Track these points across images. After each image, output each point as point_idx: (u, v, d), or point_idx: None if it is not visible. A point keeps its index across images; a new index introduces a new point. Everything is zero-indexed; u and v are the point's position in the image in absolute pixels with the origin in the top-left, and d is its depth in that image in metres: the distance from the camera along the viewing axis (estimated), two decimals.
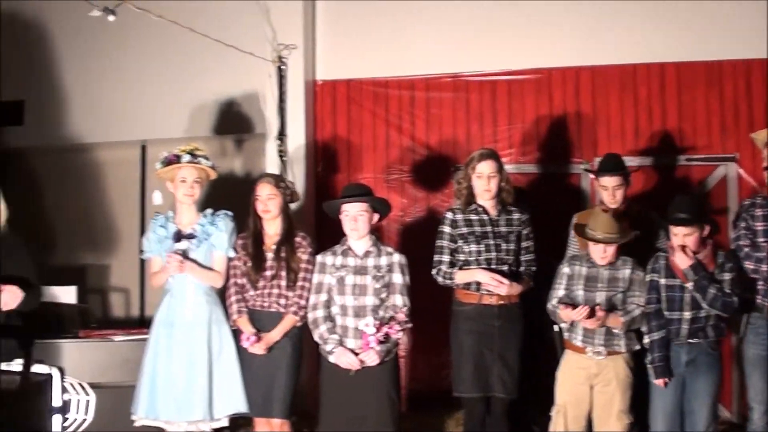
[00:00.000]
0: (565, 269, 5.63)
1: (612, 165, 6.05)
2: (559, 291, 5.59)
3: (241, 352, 5.67)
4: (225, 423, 5.73)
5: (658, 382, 5.35)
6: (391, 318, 5.45)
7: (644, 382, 5.50)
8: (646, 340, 5.41)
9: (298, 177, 7.67)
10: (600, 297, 5.44)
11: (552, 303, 5.58)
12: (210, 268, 5.75)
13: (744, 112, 7.22)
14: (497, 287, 5.60)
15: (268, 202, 5.78)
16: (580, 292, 5.49)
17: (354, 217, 5.51)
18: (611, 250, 5.48)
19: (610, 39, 7.40)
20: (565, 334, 5.60)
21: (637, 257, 5.57)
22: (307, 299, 5.62)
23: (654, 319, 5.40)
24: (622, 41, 7.38)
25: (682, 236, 5.33)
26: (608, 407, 5.45)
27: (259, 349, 5.58)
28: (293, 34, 7.84)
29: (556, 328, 5.71)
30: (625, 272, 5.51)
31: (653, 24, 7.33)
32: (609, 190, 5.95)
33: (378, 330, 5.33)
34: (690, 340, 5.36)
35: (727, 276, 5.35)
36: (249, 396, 5.65)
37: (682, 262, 5.31)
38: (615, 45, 7.40)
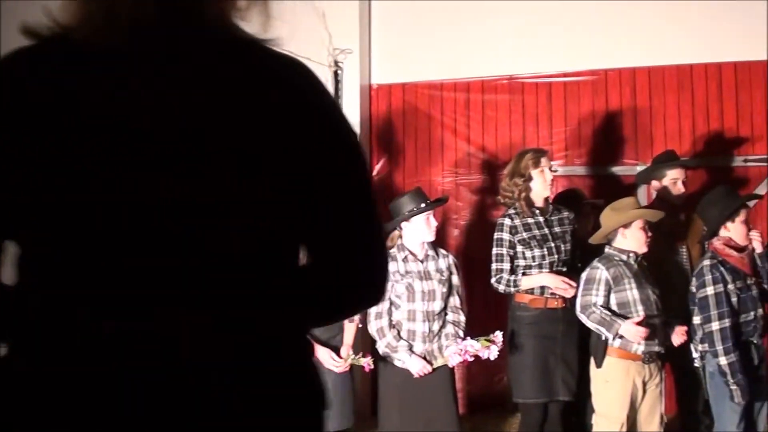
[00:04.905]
0: (601, 272, 5.45)
1: (674, 155, 6.41)
2: (599, 297, 5.38)
3: None
4: None
5: (741, 402, 5.20)
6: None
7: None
8: (723, 361, 5.16)
9: None
10: (654, 296, 5.41)
11: (599, 310, 5.34)
12: None
13: None
14: (566, 290, 5.58)
15: None
16: (631, 293, 5.36)
17: (432, 218, 5.51)
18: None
19: (667, 39, 7.31)
20: (618, 341, 5.33)
21: None
22: None
23: (731, 337, 5.19)
24: (679, 41, 7.30)
25: (748, 220, 5.33)
26: (654, 408, 5.43)
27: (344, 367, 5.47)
28: (349, 38, 7.88)
29: (603, 336, 5.37)
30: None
31: (710, 24, 7.22)
32: (680, 183, 6.07)
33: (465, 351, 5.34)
34: (758, 339, 5.33)
35: None
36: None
37: (759, 244, 5.30)
38: (672, 45, 7.32)
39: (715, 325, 5.20)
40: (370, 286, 1.77)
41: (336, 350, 5.43)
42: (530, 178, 5.74)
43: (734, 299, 5.25)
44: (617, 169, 7.49)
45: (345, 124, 1.71)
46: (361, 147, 1.78)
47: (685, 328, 5.44)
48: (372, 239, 1.74)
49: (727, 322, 5.18)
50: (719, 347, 5.17)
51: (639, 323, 5.20)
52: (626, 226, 5.45)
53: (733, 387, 5.14)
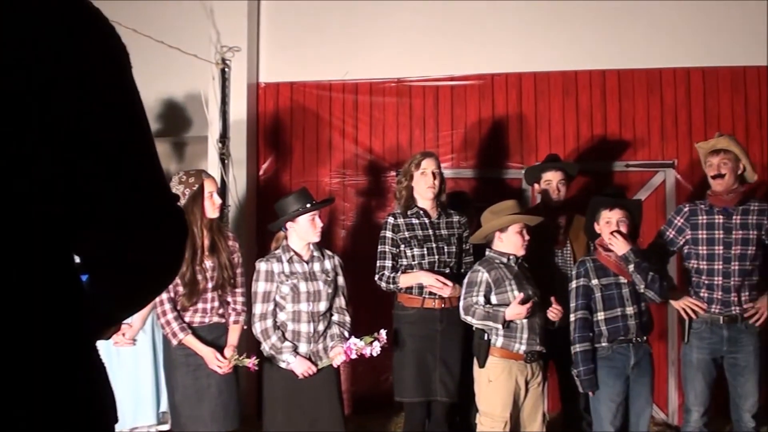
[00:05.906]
0: (482, 275, 5.51)
1: (555, 158, 6.46)
2: (480, 298, 5.44)
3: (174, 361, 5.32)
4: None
5: (582, 391, 5.45)
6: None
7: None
8: (572, 350, 5.43)
9: (239, 180, 7.62)
10: (534, 296, 5.48)
11: (481, 306, 5.39)
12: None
13: (683, 119, 7.29)
14: (441, 289, 5.60)
15: (216, 196, 5.30)
16: (512, 294, 5.41)
17: (318, 219, 5.44)
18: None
19: (553, 45, 7.45)
20: (500, 341, 5.40)
21: None
22: (244, 304, 5.47)
23: (581, 328, 5.42)
24: (564, 48, 7.43)
25: (616, 221, 5.42)
26: (537, 407, 5.51)
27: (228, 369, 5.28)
28: (237, 37, 7.78)
29: (485, 336, 5.43)
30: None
31: (595, 31, 7.39)
32: (553, 185, 6.11)
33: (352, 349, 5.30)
34: (638, 338, 5.42)
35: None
36: (210, 413, 5.23)
37: (621, 247, 5.38)
38: (557, 51, 7.44)
39: (572, 316, 5.47)
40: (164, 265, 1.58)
41: (221, 350, 5.29)
42: (411, 179, 5.80)
43: (597, 294, 5.45)
44: (503, 172, 7.57)
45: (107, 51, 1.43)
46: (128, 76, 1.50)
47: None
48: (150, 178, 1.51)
49: (580, 314, 5.44)
50: (572, 336, 5.45)
51: (520, 302, 5.30)
52: (503, 230, 5.53)
53: (576, 377, 5.41)
